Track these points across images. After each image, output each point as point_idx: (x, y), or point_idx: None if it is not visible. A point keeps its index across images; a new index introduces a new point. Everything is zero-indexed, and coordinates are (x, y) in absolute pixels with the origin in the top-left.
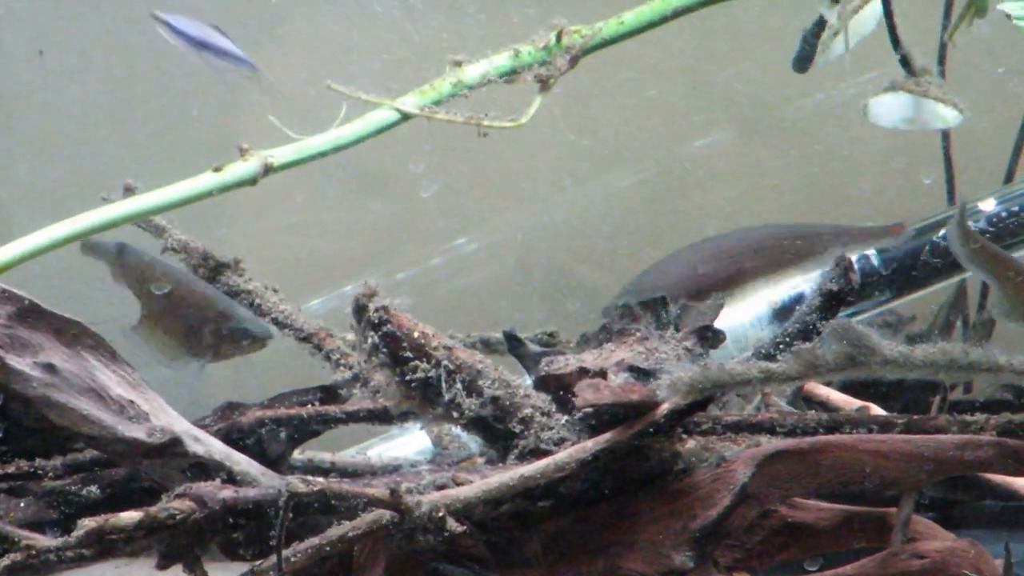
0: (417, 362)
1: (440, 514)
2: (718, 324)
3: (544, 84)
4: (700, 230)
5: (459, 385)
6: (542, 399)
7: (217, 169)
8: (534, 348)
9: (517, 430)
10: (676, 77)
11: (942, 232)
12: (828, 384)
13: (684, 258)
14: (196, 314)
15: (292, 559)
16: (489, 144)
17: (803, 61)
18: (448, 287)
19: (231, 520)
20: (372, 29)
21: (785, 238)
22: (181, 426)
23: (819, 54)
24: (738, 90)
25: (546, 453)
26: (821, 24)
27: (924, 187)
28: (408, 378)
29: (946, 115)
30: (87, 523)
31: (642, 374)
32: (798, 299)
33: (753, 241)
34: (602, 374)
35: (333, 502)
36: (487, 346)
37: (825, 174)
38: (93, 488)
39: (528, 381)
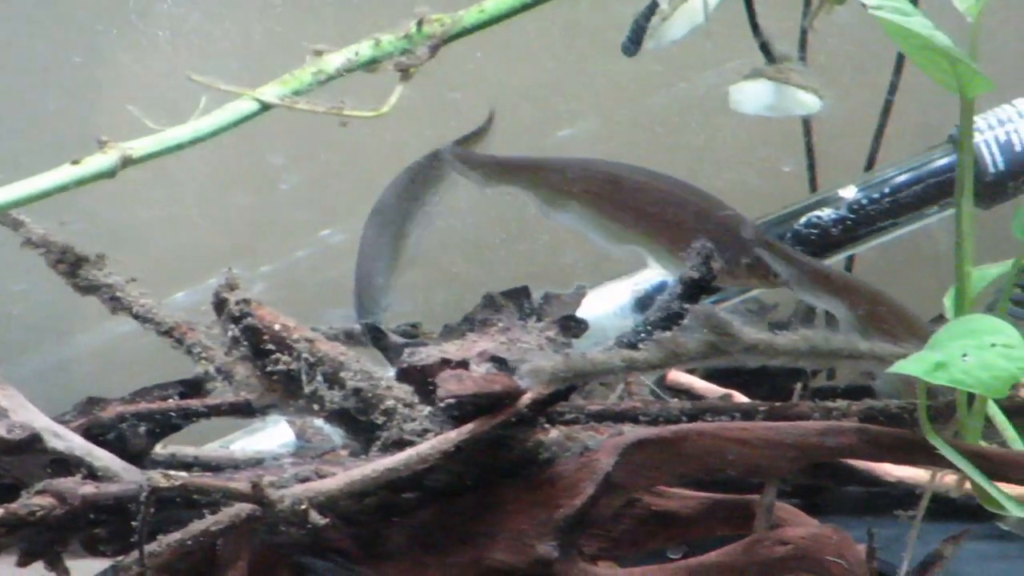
0: (278, 355)
1: (303, 507)
2: (581, 313)
3: (405, 73)
4: None
5: (320, 377)
6: (405, 391)
7: (75, 162)
8: (397, 339)
9: (380, 422)
10: (540, 66)
11: (803, 220)
12: (692, 372)
13: None
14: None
15: (155, 554)
16: (352, 135)
17: (632, 45)
18: (314, 279)
19: (93, 516)
20: (234, 20)
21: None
22: (41, 422)
23: (647, 39)
24: (601, 79)
25: (409, 445)
26: (653, 8)
27: (785, 175)
28: (269, 371)
29: (807, 102)
30: None
31: (504, 364)
32: (661, 288)
33: None
34: (464, 365)
35: (195, 496)
36: (350, 338)
37: (688, 164)
38: None
39: (391, 373)
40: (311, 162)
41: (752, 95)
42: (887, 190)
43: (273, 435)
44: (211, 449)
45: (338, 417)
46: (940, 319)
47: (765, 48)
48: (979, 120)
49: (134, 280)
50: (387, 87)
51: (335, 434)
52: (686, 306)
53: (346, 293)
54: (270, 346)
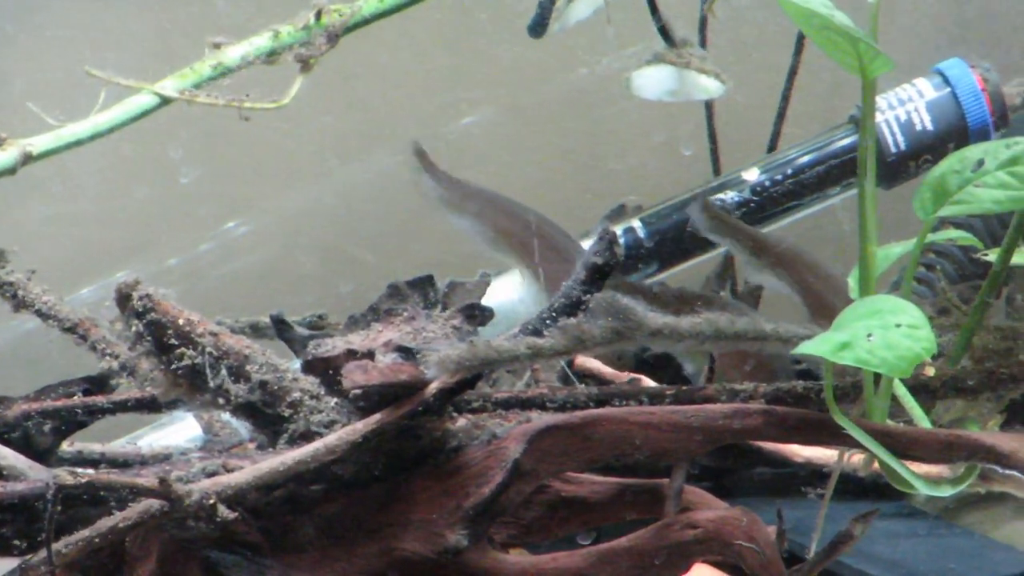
0: (183, 349)
1: (211, 501)
2: (486, 301)
3: (305, 64)
4: None
5: (225, 371)
6: (311, 382)
7: None
8: (302, 331)
9: (287, 414)
10: (439, 55)
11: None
12: (599, 358)
13: None
14: None
15: (63, 552)
16: (253, 128)
17: (538, 27)
18: (219, 271)
19: None
20: (133, 13)
21: None
22: None
23: (554, 21)
24: (502, 67)
25: (317, 436)
26: None
27: (685, 159)
28: (174, 366)
29: (708, 86)
30: None
31: (410, 354)
32: None
33: None
34: (370, 355)
35: (102, 493)
36: (256, 331)
37: (588, 150)
38: None
39: (297, 365)
40: (211, 155)
41: (653, 80)
42: (790, 172)
43: (180, 430)
44: (118, 445)
45: (245, 410)
46: None
47: (665, 32)
48: (880, 100)
49: (34, 271)
50: (289, 79)
51: (242, 428)
52: (590, 292)
53: (251, 285)
54: (174, 341)
